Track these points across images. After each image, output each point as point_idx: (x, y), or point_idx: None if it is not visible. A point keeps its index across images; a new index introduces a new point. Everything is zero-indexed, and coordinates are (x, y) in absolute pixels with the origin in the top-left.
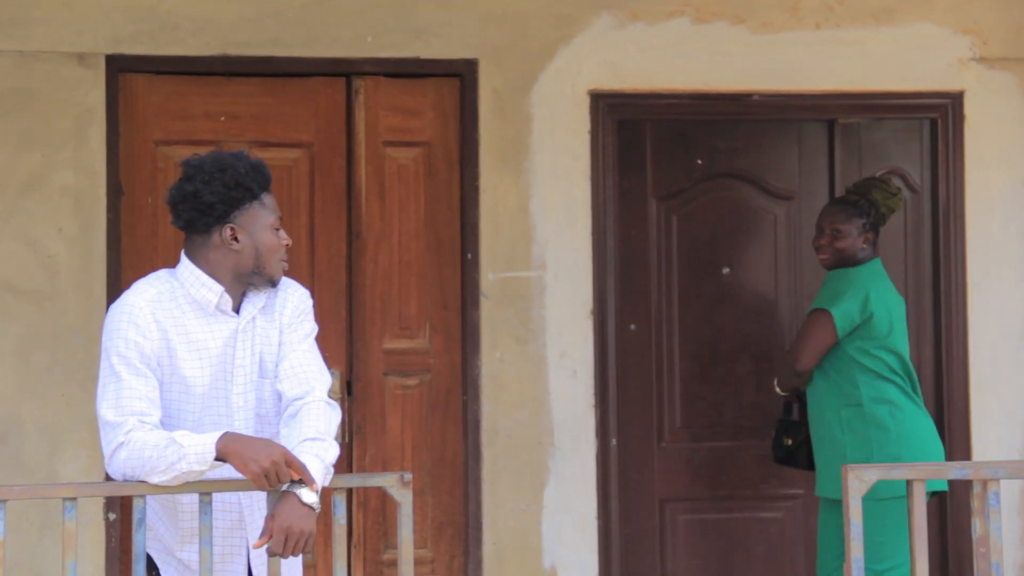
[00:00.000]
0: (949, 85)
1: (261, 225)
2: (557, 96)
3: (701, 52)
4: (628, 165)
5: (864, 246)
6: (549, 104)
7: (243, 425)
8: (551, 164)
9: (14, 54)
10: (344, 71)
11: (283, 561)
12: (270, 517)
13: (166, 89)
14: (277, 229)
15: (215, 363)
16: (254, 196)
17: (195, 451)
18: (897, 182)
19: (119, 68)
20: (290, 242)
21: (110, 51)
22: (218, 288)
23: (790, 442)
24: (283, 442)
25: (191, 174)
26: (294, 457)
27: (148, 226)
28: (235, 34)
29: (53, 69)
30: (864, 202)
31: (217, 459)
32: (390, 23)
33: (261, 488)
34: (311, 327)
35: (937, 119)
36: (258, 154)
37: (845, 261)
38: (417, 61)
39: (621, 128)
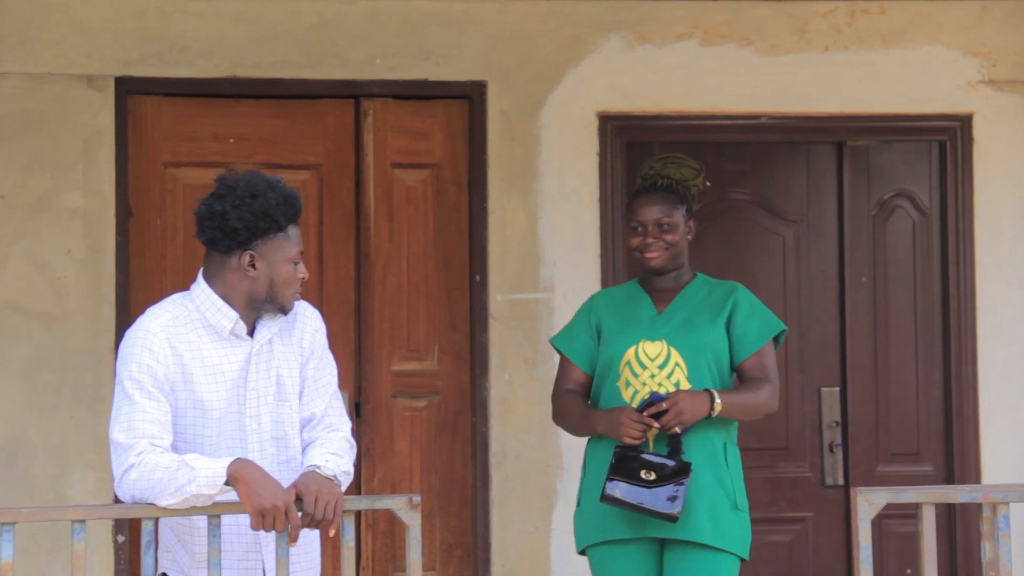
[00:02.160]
0: (958, 107)
1: (282, 257)
2: (566, 118)
3: (709, 74)
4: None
5: (690, 238)
6: (558, 126)
7: (257, 448)
8: (560, 186)
9: (24, 76)
10: (353, 93)
11: None
12: (293, 486)
13: (175, 111)
14: (296, 263)
15: (230, 386)
16: (280, 228)
17: (206, 474)
18: (906, 204)
19: (128, 90)
20: (307, 276)
21: (119, 73)
22: (233, 314)
23: (653, 476)
24: (304, 457)
25: (223, 193)
26: (295, 512)
27: (157, 248)
28: (244, 56)
29: (62, 91)
30: (678, 185)
31: (226, 483)
32: (399, 45)
33: (255, 526)
34: (334, 368)
35: (946, 141)
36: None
37: (678, 259)
38: (426, 83)
39: (629, 150)
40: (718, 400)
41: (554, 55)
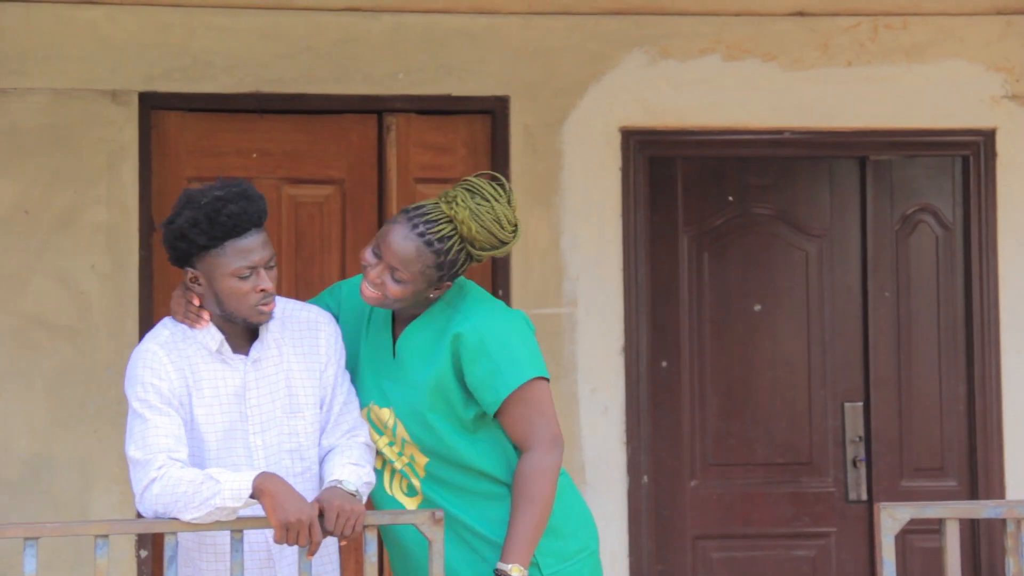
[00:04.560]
0: (981, 122)
1: (219, 273)
2: (588, 133)
3: (732, 89)
4: (659, 202)
5: (432, 295)
6: (580, 141)
7: (263, 465)
8: (582, 201)
9: (48, 91)
10: (376, 108)
11: None
12: (316, 501)
13: (199, 126)
14: (244, 276)
15: (229, 405)
16: (202, 246)
17: (231, 487)
18: (929, 219)
19: (152, 105)
20: (269, 286)
21: (143, 88)
22: (219, 336)
23: None
24: (325, 468)
25: (173, 208)
26: (318, 528)
27: None
28: (267, 71)
29: (86, 106)
30: (448, 233)
31: (252, 496)
32: (422, 60)
33: (278, 540)
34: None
35: (969, 156)
36: (290, 191)
37: (401, 306)
38: (448, 98)
39: (652, 165)
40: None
41: (577, 70)
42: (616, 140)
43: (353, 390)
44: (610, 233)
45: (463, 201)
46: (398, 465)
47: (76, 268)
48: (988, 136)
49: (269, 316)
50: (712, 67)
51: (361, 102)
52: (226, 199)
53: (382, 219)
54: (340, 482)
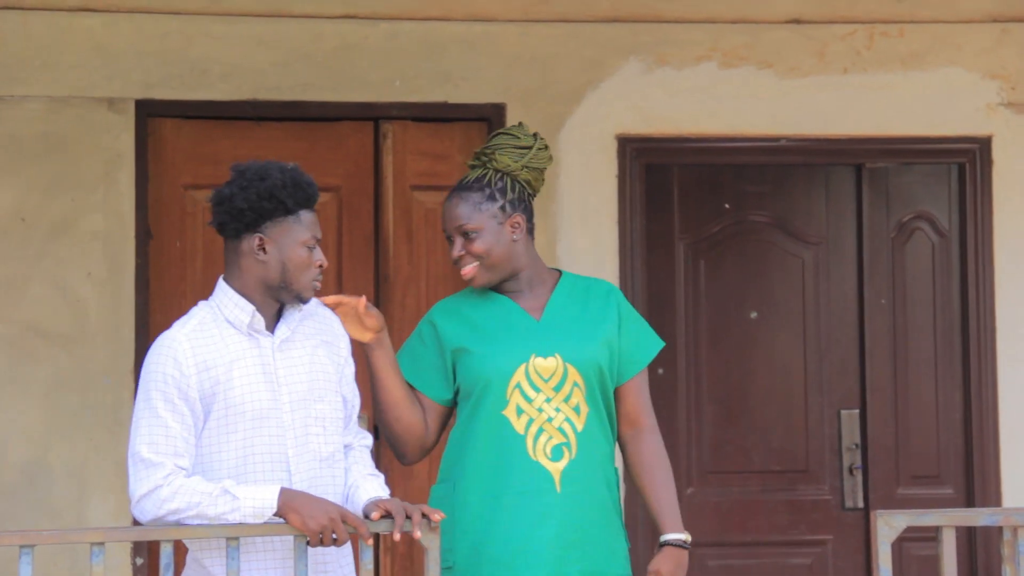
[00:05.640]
0: (977, 130)
1: (292, 240)
2: (585, 140)
3: (728, 96)
4: (655, 209)
5: (516, 236)
6: (577, 148)
7: (294, 444)
8: (579, 208)
9: (44, 99)
10: (372, 115)
11: None
12: (377, 502)
13: (195, 133)
14: (311, 248)
15: (260, 384)
16: (287, 210)
17: (252, 504)
18: (925, 226)
19: (149, 112)
20: (325, 263)
21: (140, 96)
22: (249, 307)
23: None
24: (355, 490)
25: (234, 177)
26: (349, 512)
27: (177, 270)
28: (264, 79)
29: (83, 114)
30: (491, 175)
31: (276, 515)
32: (418, 68)
33: (313, 545)
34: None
35: (965, 164)
36: None
37: (501, 268)
38: (445, 105)
39: (648, 172)
40: (685, 537)
41: (573, 77)
42: (612, 147)
43: (358, 391)
44: (606, 240)
45: (480, 152)
46: (556, 421)
47: (72, 276)
48: (984, 144)
49: (313, 294)
50: (708, 75)
51: (358, 109)
52: (299, 170)
53: (379, 226)
54: (379, 500)
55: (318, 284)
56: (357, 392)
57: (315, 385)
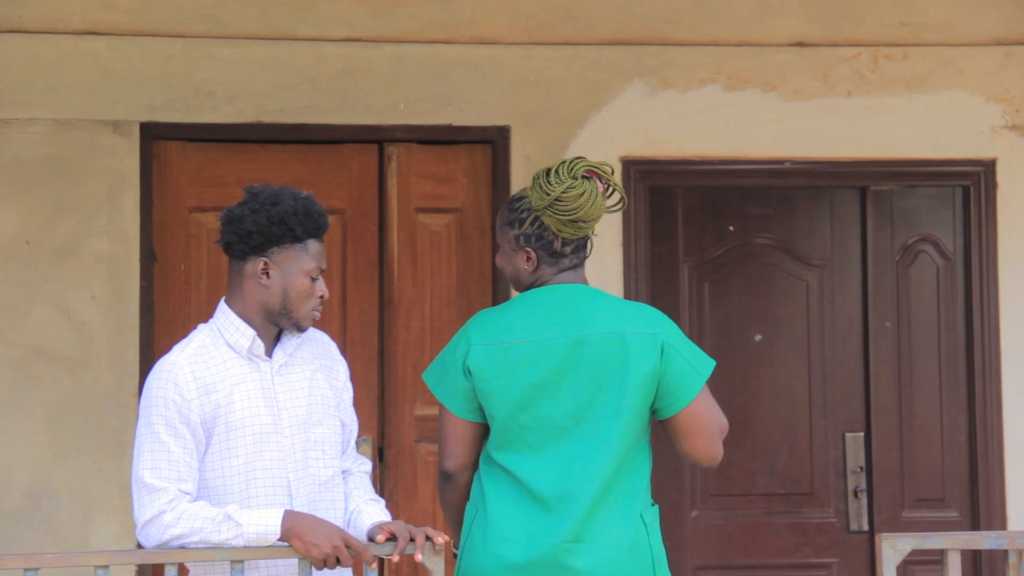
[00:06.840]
0: (981, 153)
1: (296, 268)
2: None
3: (733, 119)
4: (660, 231)
5: (527, 267)
6: None
7: (294, 468)
8: None
9: (49, 122)
10: (377, 138)
11: None
12: (382, 525)
13: (200, 156)
14: (314, 278)
15: (260, 408)
16: (296, 238)
17: (255, 530)
18: (930, 249)
19: (153, 135)
20: (326, 294)
21: (144, 119)
22: (250, 332)
23: None
24: (359, 516)
25: (247, 199)
26: (352, 536)
27: (181, 293)
28: (269, 102)
29: (88, 136)
30: (523, 203)
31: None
32: (422, 90)
33: (319, 568)
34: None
35: (970, 186)
36: None
37: (516, 287)
38: (449, 128)
39: (653, 194)
40: None
41: (578, 100)
42: (617, 170)
43: (356, 417)
44: (611, 263)
45: (536, 175)
46: None
47: (77, 298)
48: (988, 166)
49: (311, 324)
50: (713, 97)
51: (362, 132)
52: (312, 200)
53: (383, 249)
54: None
55: (317, 314)
56: (355, 417)
57: (314, 409)
